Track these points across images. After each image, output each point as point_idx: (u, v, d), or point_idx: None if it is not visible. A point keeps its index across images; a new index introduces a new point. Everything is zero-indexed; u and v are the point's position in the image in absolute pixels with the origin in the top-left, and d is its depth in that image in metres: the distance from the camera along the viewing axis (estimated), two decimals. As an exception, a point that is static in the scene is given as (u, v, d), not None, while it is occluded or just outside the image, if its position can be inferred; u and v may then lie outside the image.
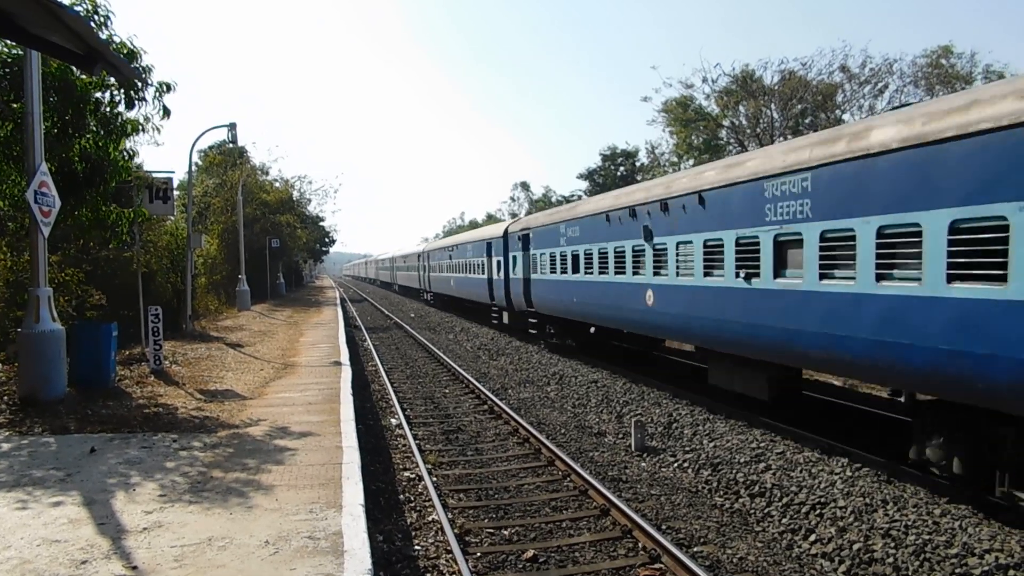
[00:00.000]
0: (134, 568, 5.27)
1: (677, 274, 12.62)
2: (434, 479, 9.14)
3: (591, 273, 16.77)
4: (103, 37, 11.50)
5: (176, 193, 20.46)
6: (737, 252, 10.70)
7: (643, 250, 13.97)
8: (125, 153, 12.86)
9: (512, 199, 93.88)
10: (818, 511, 7.70)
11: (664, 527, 7.57)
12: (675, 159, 48.49)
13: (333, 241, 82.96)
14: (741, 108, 42.77)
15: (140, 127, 12.74)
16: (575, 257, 17.87)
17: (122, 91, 12.17)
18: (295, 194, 56.02)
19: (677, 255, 12.59)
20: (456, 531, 7.31)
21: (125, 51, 11.82)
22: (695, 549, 7.05)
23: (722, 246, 11.09)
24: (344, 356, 17.95)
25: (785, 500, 8.10)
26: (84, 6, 11.48)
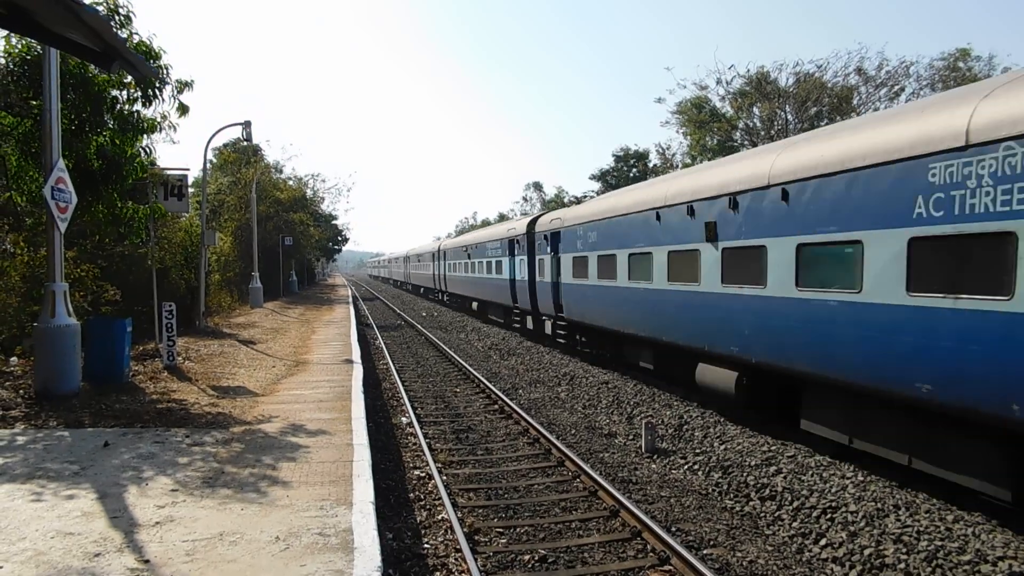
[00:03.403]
0: (146, 562, 5.32)
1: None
2: (444, 478, 9.16)
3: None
4: (124, 36, 11.62)
5: (191, 190, 20.60)
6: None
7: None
8: (142, 151, 12.98)
9: (524, 199, 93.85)
10: (829, 515, 7.66)
11: (674, 529, 7.55)
12: (688, 160, 48.33)
13: (346, 239, 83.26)
14: (755, 110, 42.58)
15: (157, 125, 12.85)
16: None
17: (139, 89, 12.28)
18: (308, 192, 56.31)
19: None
20: (465, 530, 7.32)
21: (144, 49, 11.93)
22: (705, 551, 7.02)
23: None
24: (355, 354, 18.01)
25: (796, 504, 8.05)
26: (106, 4, 11.60)
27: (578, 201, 60.00)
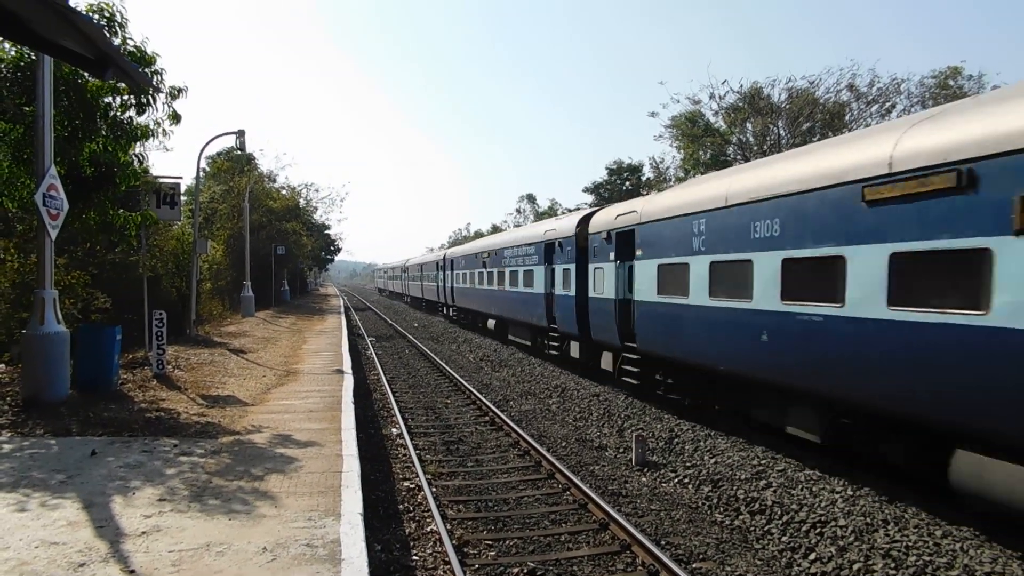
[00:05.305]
0: (132, 572, 5.27)
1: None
2: (433, 489, 9.12)
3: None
4: (118, 42, 11.62)
5: (183, 198, 20.55)
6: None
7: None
8: (135, 158, 12.95)
9: (518, 211, 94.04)
10: (818, 530, 7.66)
11: (663, 542, 7.53)
12: (682, 174, 48.54)
13: (339, 249, 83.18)
14: (748, 125, 42.85)
15: (151, 132, 12.83)
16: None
17: (133, 96, 12.26)
18: (301, 202, 56.26)
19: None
20: (454, 542, 7.28)
21: (137, 56, 11.93)
22: (694, 565, 7.01)
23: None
24: (346, 364, 17.96)
25: (785, 518, 8.06)
26: (99, 13, 11.59)
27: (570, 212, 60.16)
